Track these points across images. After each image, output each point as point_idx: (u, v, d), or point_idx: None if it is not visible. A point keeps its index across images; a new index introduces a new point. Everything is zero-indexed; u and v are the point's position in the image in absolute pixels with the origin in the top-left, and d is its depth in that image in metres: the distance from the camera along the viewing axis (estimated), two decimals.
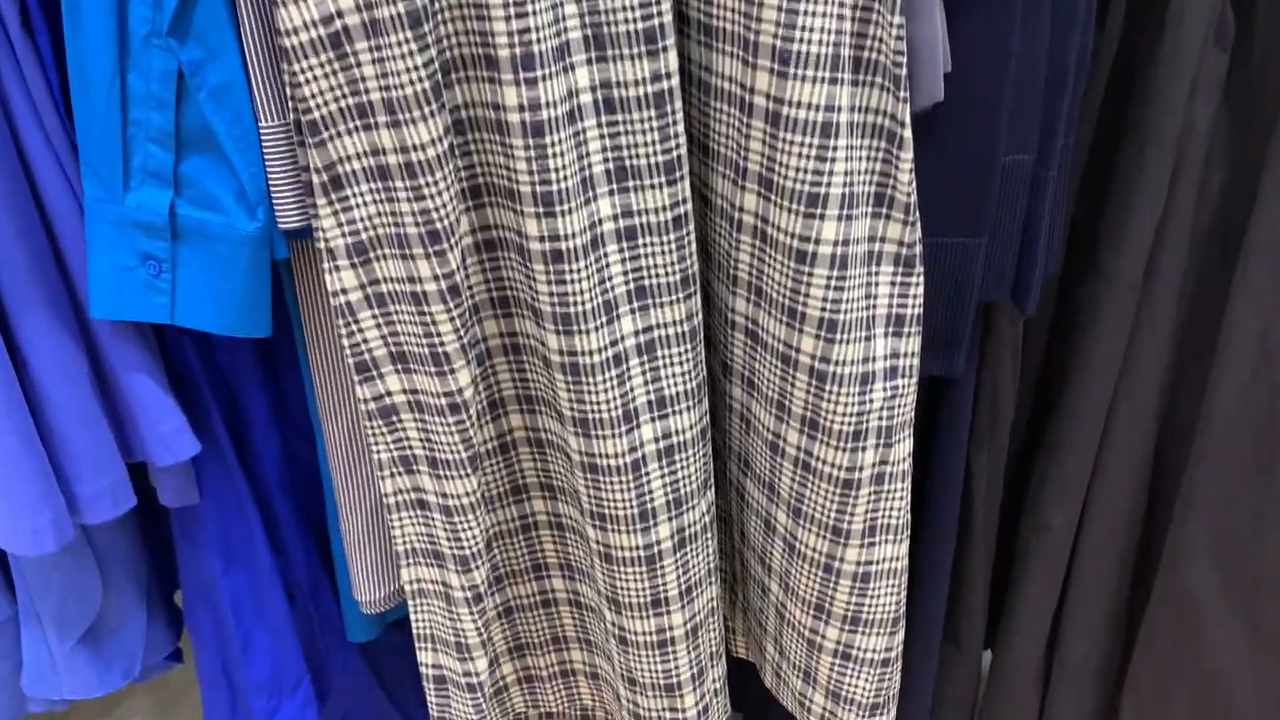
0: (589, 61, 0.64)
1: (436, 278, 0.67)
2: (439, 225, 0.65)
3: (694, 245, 0.70)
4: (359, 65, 0.62)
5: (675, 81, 0.65)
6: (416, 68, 0.60)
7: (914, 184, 0.68)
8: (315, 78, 0.62)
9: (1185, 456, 0.90)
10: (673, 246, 0.69)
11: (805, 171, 0.65)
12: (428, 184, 0.64)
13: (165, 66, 0.63)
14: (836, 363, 0.70)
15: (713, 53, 0.67)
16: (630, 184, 0.68)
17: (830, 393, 0.71)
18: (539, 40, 0.61)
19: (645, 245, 0.69)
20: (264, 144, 0.66)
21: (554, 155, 0.64)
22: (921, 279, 0.71)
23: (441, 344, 0.69)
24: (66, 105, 0.67)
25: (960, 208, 0.75)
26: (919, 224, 0.69)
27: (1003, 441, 0.96)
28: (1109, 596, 1.00)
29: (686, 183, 0.68)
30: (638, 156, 0.67)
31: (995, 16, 0.69)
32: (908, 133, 0.66)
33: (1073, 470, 0.93)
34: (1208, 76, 0.79)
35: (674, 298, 0.71)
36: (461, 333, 0.69)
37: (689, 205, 0.69)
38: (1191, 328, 0.89)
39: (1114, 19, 0.81)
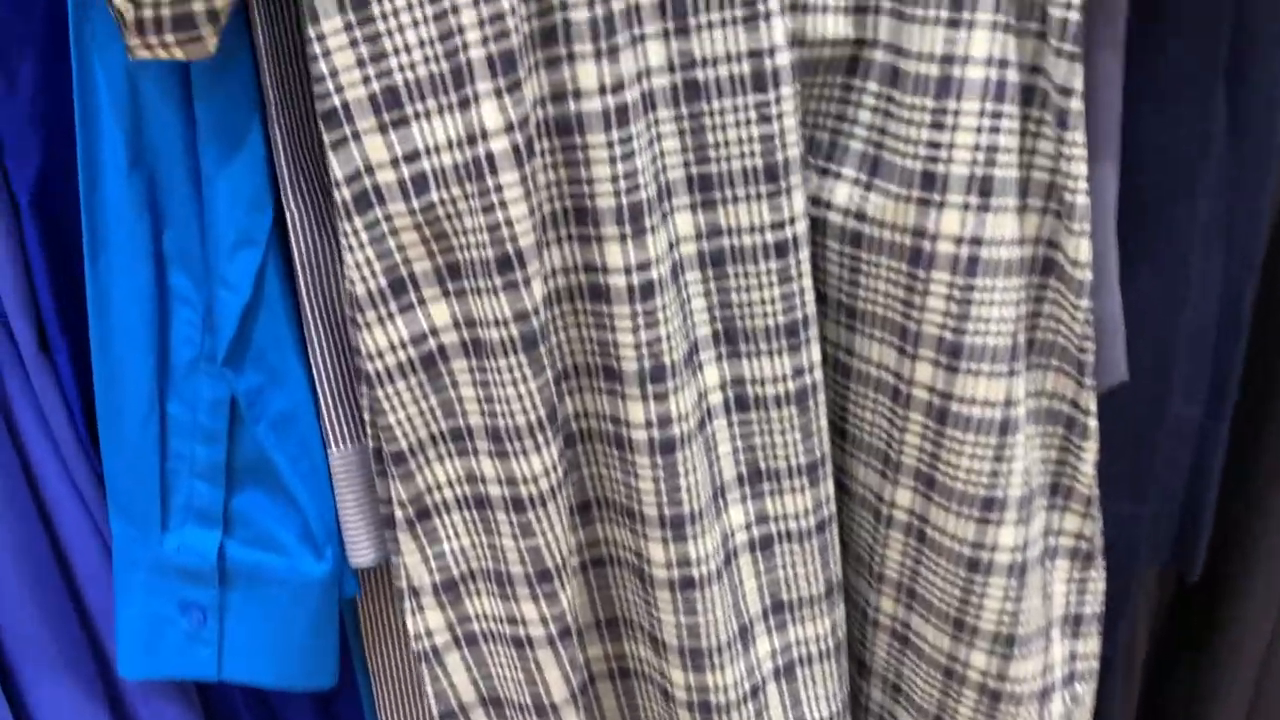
0: (719, 358, 0.55)
1: (545, 620, 0.55)
2: (550, 563, 0.54)
3: (838, 551, 0.60)
4: (456, 386, 0.52)
5: (819, 375, 0.55)
6: (530, 394, 0.50)
7: (1096, 476, 0.58)
8: (403, 404, 0.52)
9: None
10: (815, 554, 0.59)
11: (979, 474, 0.55)
12: (538, 519, 0.53)
13: (216, 395, 0.52)
14: (1014, 680, 0.59)
15: (855, 335, 0.57)
16: (766, 488, 0.57)
17: (1005, 714, 0.60)
18: (670, 350, 0.51)
19: (783, 555, 0.58)
20: (335, 475, 0.55)
21: (685, 473, 0.53)
22: (1103, 574, 0.61)
23: (548, 693, 0.57)
24: (90, 431, 0.56)
25: (1124, 473, 0.65)
26: (1100, 518, 0.59)
27: (1134, 686, 0.86)
28: None
29: (830, 483, 0.58)
30: (775, 458, 0.57)
31: (1168, 268, 0.61)
32: (1093, 422, 0.56)
33: None
34: None
35: (815, 611, 0.60)
36: (571, 680, 0.57)
37: (833, 507, 0.59)
38: None
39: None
